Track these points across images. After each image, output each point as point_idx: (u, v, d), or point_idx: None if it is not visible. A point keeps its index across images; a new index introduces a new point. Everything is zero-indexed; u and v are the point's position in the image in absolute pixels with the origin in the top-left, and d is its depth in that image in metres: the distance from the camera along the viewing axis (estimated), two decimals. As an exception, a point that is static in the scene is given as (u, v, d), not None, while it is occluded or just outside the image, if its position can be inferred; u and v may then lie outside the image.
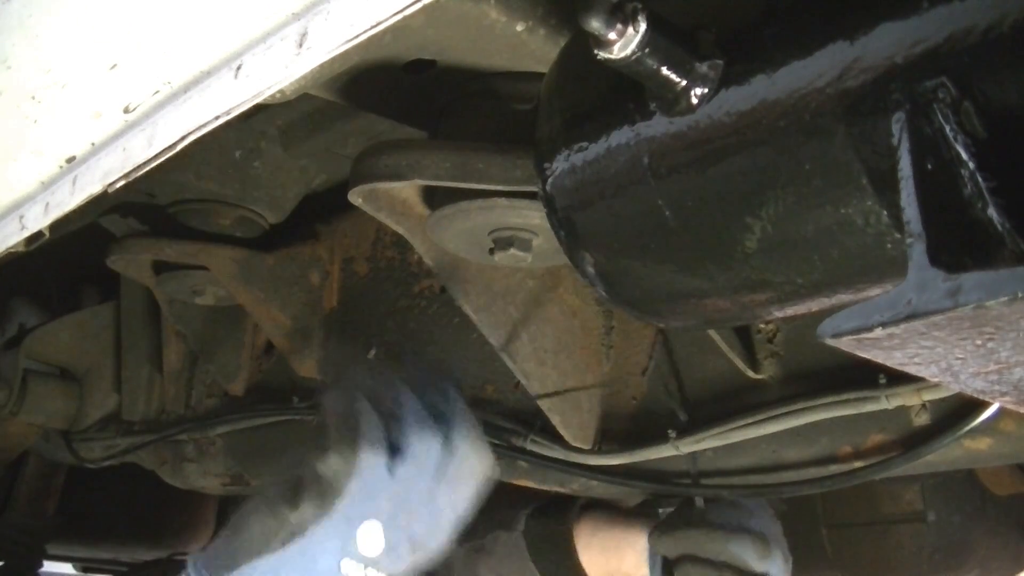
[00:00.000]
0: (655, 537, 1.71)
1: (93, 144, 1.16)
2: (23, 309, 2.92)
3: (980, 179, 0.69)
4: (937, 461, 1.53)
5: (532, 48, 1.26)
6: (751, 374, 1.61)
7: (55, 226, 1.26)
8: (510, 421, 1.89)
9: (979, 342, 0.68)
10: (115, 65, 1.06)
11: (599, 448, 1.80)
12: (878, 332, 0.68)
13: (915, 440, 1.47)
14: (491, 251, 1.41)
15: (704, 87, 0.87)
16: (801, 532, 2.91)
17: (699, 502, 1.68)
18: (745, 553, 1.56)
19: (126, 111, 1.10)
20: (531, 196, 1.29)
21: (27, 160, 1.22)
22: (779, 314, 1.02)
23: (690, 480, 1.72)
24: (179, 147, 1.06)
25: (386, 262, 2.16)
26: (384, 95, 1.43)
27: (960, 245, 0.68)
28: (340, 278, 2.24)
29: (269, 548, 1.17)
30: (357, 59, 1.21)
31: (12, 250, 1.33)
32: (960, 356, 0.71)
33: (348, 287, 2.23)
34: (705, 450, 1.68)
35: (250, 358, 2.41)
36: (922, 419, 1.46)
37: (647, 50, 0.83)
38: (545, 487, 1.94)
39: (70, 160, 1.19)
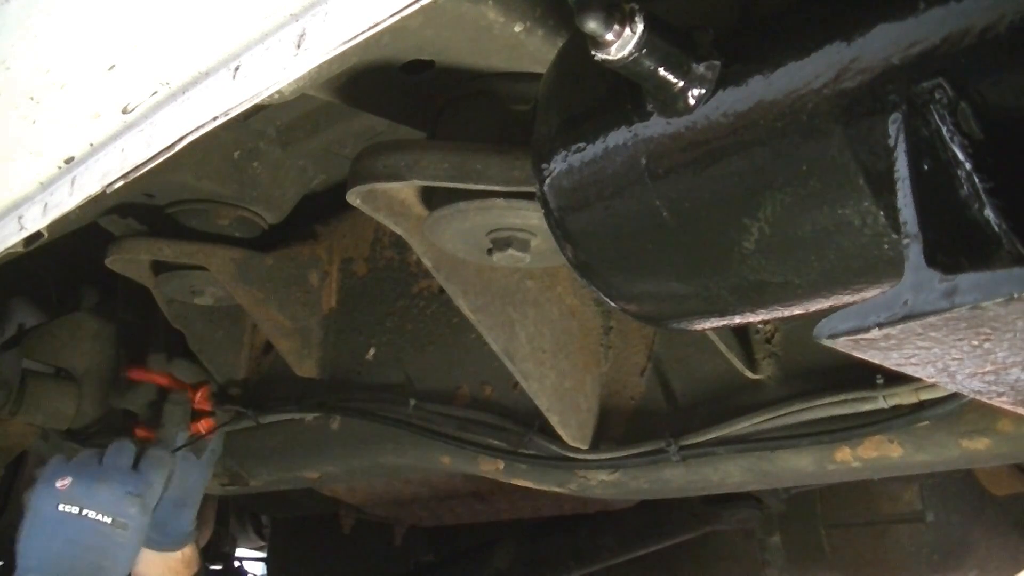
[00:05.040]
0: None
1: (92, 145, 1.16)
2: (22, 309, 2.92)
3: (977, 180, 0.69)
4: (935, 461, 1.53)
5: (530, 49, 1.26)
6: (749, 374, 1.61)
7: (54, 227, 1.26)
8: (509, 421, 1.89)
9: (976, 343, 0.68)
10: (113, 66, 1.06)
11: (597, 448, 1.80)
12: (875, 333, 0.68)
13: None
14: (489, 251, 1.41)
15: (701, 88, 0.87)
16: (800, 532, 2.92)
17: None
18: None
19: (125, 112, 1.10)
20: (529, 197, 1.30)
21: (26, 160, 1.22)
22: (777, 315, 1.02)
23: None
24: (177, 147, 1.07)
25: (385, 262, 2.17)
26: (382, 95, 1.43)
27: (957, 246, 0.68)
28: (339, 278, 2.24)
29: None
30: (355, 60, 1.21)
31: (11, 250, 1.33)
32: (957, 357, 0.71)
33: (347, 287, 2.23)
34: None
35: (249, 358, 2.41)
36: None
37: (644, 51, 0.83)
38: (543, 487, 1.94)
39: (69, 161, 1.19)
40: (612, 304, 1.10)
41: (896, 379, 1.43)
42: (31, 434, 2.90)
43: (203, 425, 2.21)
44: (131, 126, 1.11)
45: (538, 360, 1.72)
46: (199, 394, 2.21)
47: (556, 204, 1.03)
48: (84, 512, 1.78)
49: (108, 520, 1.79)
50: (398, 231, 1.48)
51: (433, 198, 1.42)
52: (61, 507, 1.78)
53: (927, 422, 1.45)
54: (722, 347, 1.57)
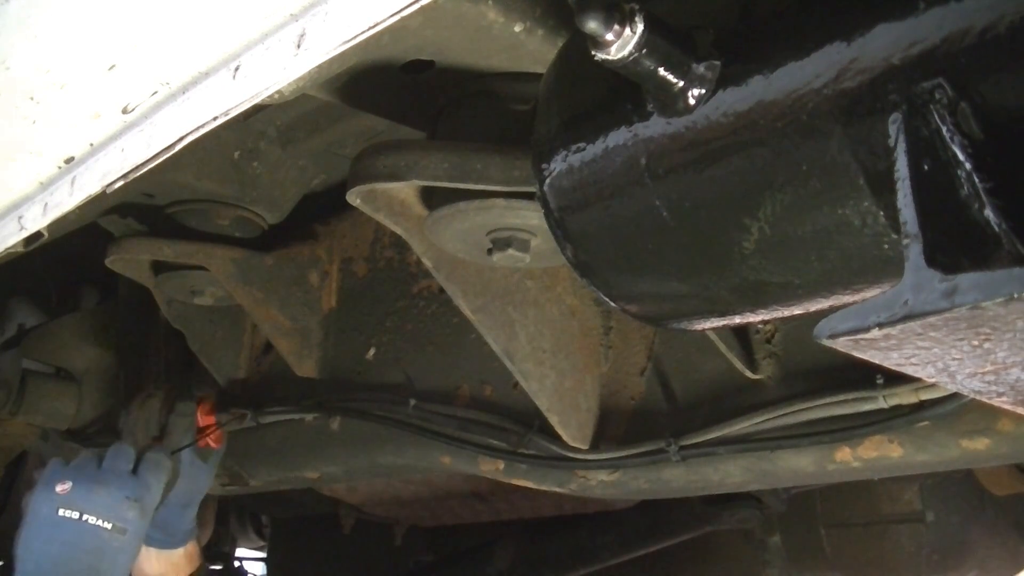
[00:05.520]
0: None
1: (92, 145, 1.16)
2: (22, 309, 2.92)
3: (977, 180, 0.69)
4: (935, 461, 1.53)
5: (530, 49, 1.26)
6: (749, 374, 1.61)
7: (54, 227, 1.27)
8: (509, 421, 1.89)
9: (975, 343, 0.68)
10: (114, 66, 1.06)
11: (597, 448, 1.80)
12: (875, 333, 0.68)
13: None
14: (489, 252, 1.41)
15: (701, 88, 0.87)
16: (800, 532, 2.92)
17: None
18: None
19: (125, 112, 1.10)
20: (529, 197, 1.30)
21: (26, 161, 1.22)
22: (777, 315, 1.02)
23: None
24: (177, 147, 1.07)
25: (385, 263, 2.17)
26: (382, 95, 1.43)
27: (957, 246, 0.68)
28: (339, 278, 2.24)
29: None
30: (355, 60, 1.21)
31: (11, 250, 1.33)
32: (957, 357, 0.71)
33: (347, 287, 2.23)
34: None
35: (249, 358, 2.42)
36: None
37: (644, 51, 0.83)
38: (544, 487, 1.94)
39: (69, 161, 1.19)
40: (612, 304, 1.10)
41: (896, 379, 1.43)
42: (31, 434, 2.90)
43: (210, 434, 2.21)
44: (131, 126, 1.11)
45: (538, 360, 1.72)
46: (201, 408, 2.22)
47: (556, 204, 1.03)
48: (84, 517, 1.77)
49: (108, 525, 1.78)
50: (398, 231, 1.48)
51: (433, 198, 1.42)
52: (61, 512, 1.77)
53: (927, 422, 1.45)
54: (722, 347, 1.57)
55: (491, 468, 1.97)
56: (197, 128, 1.03)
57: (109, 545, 1.78)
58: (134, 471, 1.90)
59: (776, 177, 0.85)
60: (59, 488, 1.80)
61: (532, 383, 1.70)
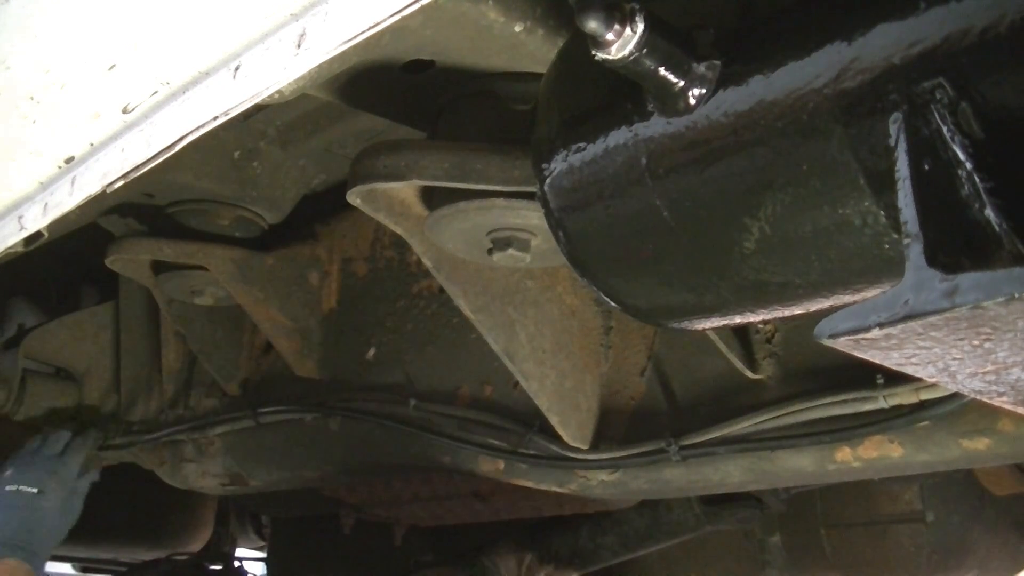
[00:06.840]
0: None
1: (92, 144, 1.16)
2: (22, 309, 2.92)
3: (977, 179, 0.69)
4: (936, 461, 1.53)
5: (530, 48, 1.26)
6: (749, 374, 1.61)
7: (54, 226, 1.27)
8: (509, 421, 1.89)
9: (976, 343, 0.68)
10: (114, 66, 1.06)
11: (597, 448, 1.80)
12: (875, 333, 0.68)
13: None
14: (489, 251, 1.41)
15: (702, 87, 0.87)
16: (800, 532, 2.92)
17: None
18: None
19: (125, 111, 1.10)
20: (529, 196, 1.29)
21: (26, 160, 1.22)
22: (777, 315, 1.02)
23: None
24: (177, 147, 1.07)
25: (385, 262, 2.17)
26: (383, 95, 1.43)
27: (957, 245, 0.68)
28: (339, 278, 2.24)
29: None
30: (356, 59, 1.21)
31: (11, 250, 1.33)
32: (957, 356, 0.71)
33: (347, 287, 2.23)
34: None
35: (249, 358, 2.42)
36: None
37: (645, 51, 0.83)
38: (544, 487, 1.94)
39: (69, 160, 1.19)
40: (612, 304, 1.10)
41: (896, 379, 1.43)
42: (31, 434, 2.90)
43: None
44: (131, 126, 1.11)
45: (538, 360, 1.72)
46: None
47: (556, 204, 1.03)
48: (19, 488, 2.31)
49: (34, 491, 2.32)
50: (398, 231, 1.48)
51: (433, 198, 1.42)
52: (5, 487, 2.32)
53: (927, 422, 1.45)
54: (722, 347, 1.57)
55: (491, 468, 1.97)
56: (197, 128, 1.03)
57: (35, 504, 2.31)
58: (63, 452, 2.43)
59: (777, 177, 0.85)
60: (7, 472, 2.36)
61: (532, 383, 1.70)
